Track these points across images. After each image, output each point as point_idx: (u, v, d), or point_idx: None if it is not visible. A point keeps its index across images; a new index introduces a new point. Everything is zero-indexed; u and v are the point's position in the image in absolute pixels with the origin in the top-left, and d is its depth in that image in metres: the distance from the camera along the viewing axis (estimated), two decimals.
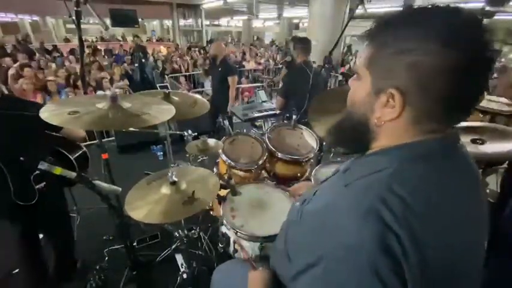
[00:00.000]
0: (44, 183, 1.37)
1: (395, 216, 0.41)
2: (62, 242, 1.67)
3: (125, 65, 6.68)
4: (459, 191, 0.46)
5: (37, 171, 1.32)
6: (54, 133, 1.45)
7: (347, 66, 7.70)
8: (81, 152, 1.70)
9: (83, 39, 1.38)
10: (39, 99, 3.98)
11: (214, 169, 1.89)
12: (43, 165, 0.93)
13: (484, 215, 0.51)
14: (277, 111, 3.07)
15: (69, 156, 1.57)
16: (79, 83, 4.46)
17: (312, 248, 0.49)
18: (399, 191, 0.43)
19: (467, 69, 0.40)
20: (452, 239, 0.44)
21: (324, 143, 1.97)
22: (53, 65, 6.25)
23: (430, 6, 0.43)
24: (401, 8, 0.46)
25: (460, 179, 0.47)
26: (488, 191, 1.48)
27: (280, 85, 2.99)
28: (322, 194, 0.59)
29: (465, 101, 0.44)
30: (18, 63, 5.23)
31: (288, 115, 2.28)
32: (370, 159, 0.52)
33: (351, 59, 8.31)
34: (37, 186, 1.34)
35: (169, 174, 1.27)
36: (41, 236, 1.82)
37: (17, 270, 1.68)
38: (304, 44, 2.48)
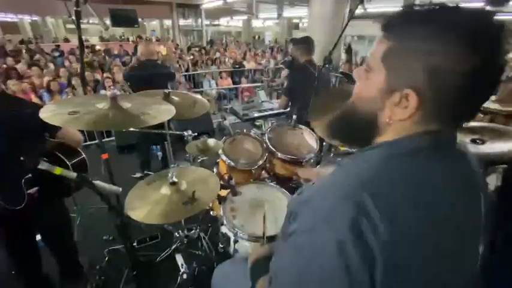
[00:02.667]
0: (37, 188, 1.29)
1: (375, 201, 0.41)
2: (60, 249, 1.63)
3: (117, 60, 6.68)
4: (449, 189, 0.46)
5: (29, 175, 1.25)
6: (50, 135, 1.38)
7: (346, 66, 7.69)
8: (79, 158, 1.58)
9: (83, 39, 1.38)
10: (33, 99, 3.97)
11: (214, 169, 1.89)
12: (43, 165, 0.93)
13: (478, 218, 0.50)
14: (281, 111, 3.07)
15: (66, 161, 1.45)
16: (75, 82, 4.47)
17: (297, 221, 0.50)
18: (383, 181, 0.43)
19: (484, 78, 0.40)
20: (435, 237, 0.43)
21: (324, 143, 1.97)
22: (51, 65, 6.25)
23: (460, 6, 0.41)
24: (428, 4, 0.43)
25: (452, 177, 0.46)
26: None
27: (285, 84, 2.99)
28: (317, 183, 0.60)
29: (473, 107, 0.45)
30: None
31: (291, 115, 2.28)
32: (365, 153, 0.52)
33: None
34: (28, 191, 1.26)
35: (170, 174, 1.27)
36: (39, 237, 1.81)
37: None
38: (306, 43, 2.49)
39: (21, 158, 1.25)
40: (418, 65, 0.41)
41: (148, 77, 2.63)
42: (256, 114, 3.24)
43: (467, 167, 0.50)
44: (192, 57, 8.19)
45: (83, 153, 1.60)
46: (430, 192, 0.44)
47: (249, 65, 8.18)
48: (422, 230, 0.42)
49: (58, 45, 9.87)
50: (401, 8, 0.44)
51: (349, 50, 8.26)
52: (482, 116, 2.18)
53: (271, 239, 1.18)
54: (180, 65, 7.12)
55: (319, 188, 0.52)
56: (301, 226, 0.47)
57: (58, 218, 1.55)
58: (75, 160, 1.53)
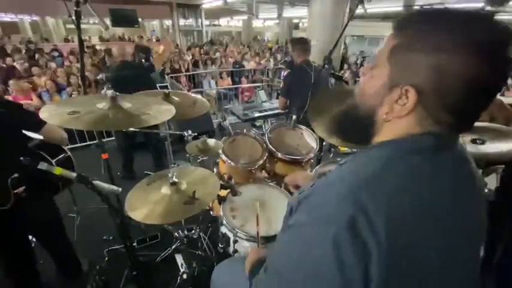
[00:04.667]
0: (24, 187, 1.27)
1: (375, 201, 0.41)
2: (53, 247, 1.63)
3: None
4: (450, 187, 0.46)
5: (15, 174, 1.23)
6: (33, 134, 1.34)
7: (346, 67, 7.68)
8: (64, 155, 1.59)
9: (83, 39, 1.38)
10: (34, 100, 3.97)
11: (214, 169, 1.89)
12: (43, 166, 0.93)
13: (479, 215, 0.50)
14: (281, 111, 3.08)
15: (50, 159, 1.46)
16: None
17: (296, 215, 0.51)
18: (385, 180, 0.43)
19: (488, 85, 0.40)
20: (437, 234, 0.43)
21: (324, 143, 1.97)
22: (53, 65, 6.26)
23: (471, 11, 0.42)
24: (440, 6, 0.44)
25: (453, 175, 0.47)
26: (487, 190, 1.48)
27: (281, 85, 3.00)
28: (318, 181, 0.60)
29: (474, 113, 0.45)
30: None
31: (291, 115, 2.29)
32: (366, 153, 0.52)
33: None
34: (15, 191, 1.25)
35: (170, 174, 1.27)
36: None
37: None
38: (302, 44, 2.50)
39: (21, 159, 1.26)
40: (422, 62, 0.42)
41: (125, 78, 2.60)
42: (256, 114, 3.24)
43: (469, 169, 0.50)
44: (191, 57, 8.19)
45: (67, 151, 1.60)
46: (432, 192, 0.44)
47: (249, 65, 8.18)
48: (422, 231, 0.42)
49: (55, 45, 9.87)
50: (415, 9, 0.47)
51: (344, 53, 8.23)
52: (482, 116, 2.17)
53: (270, 239, 1.18)
54: (180, 65, 7.13)
55: (319, 185, 0.52)
56: (300, 219, 0.48)
57: (48, 216, 1.53)
58: (59, 158, 1.54)
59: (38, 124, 1.31)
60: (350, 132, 0.59)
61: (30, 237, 1.67)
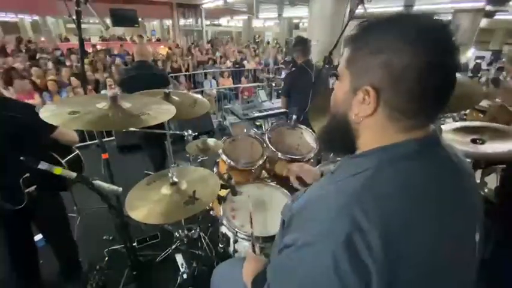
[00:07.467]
0: (35, 186, 1.33)
1: (367, 216, 0.42)
2: (59, 245, 1.65)
3: (119, 60, 6.67)
4: (439, 190, 0.47)
5: (26, 174, 1.28)
6: (46, 135, 1.39)
7: None
8: (73, 155, 1.62)
9: (83, 39, 1.38)
10: (36, 99, 3.97)
11: (214, 169, 1.89)
12: (43, 165, 0.93)
13: (473, 215, 0.52)
14: (281, 111, 3.09)
15: (59, 159, 1.49)
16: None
17: (293, 233, 0.51)
18: (375, 191, 0.45)
19: (432, 67, 0.44)
20: (432, 240, 0.44)
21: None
22: (50, 65, 6.26)
23: (404, 13, 0.48)
24: (379, 17, 0.50)
25: (441, 178, 0.48)
26: (486, 190, 1.48)
27: (282, 84, 3.01)
28: (310, 191, 0.61)
29: (433, 96, 0.47)
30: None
31: (291, 115, 2.29)
32: (354, 161, 0.54)
33: None
34: (27, 190, 1.30)
35: (170, 174, 1.27)
36: (39, 237, 1.83)
37: None
38: (302, 45, 2.51)
39: (21, 158, 1.27)
40: (373, 64, 0.47)
41: (144, 77, 2.48)
42: (256, 114, 3.24)
43: (456, 167, 0.52)
44: (190, 57, 8.19)
45: (76, 150, 1.63)
46: (421, 196, 0.46)
47: (249, 65, 8.18)
48: (416, 239, 0.43)
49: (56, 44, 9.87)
50: (358, 25, 0.52)
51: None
52: (482, 116, 2.18)
53: (269, 239, 1.18)
54: (180, 65, 7.12)
55: (313, 198, 0.53)
56: (297, 238, 0.48)
57: (58, 212, 1.57)
58: (69, 157, 1.57)
59: (51, 126, 1.35)
60: (336, 143, 0.64)
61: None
